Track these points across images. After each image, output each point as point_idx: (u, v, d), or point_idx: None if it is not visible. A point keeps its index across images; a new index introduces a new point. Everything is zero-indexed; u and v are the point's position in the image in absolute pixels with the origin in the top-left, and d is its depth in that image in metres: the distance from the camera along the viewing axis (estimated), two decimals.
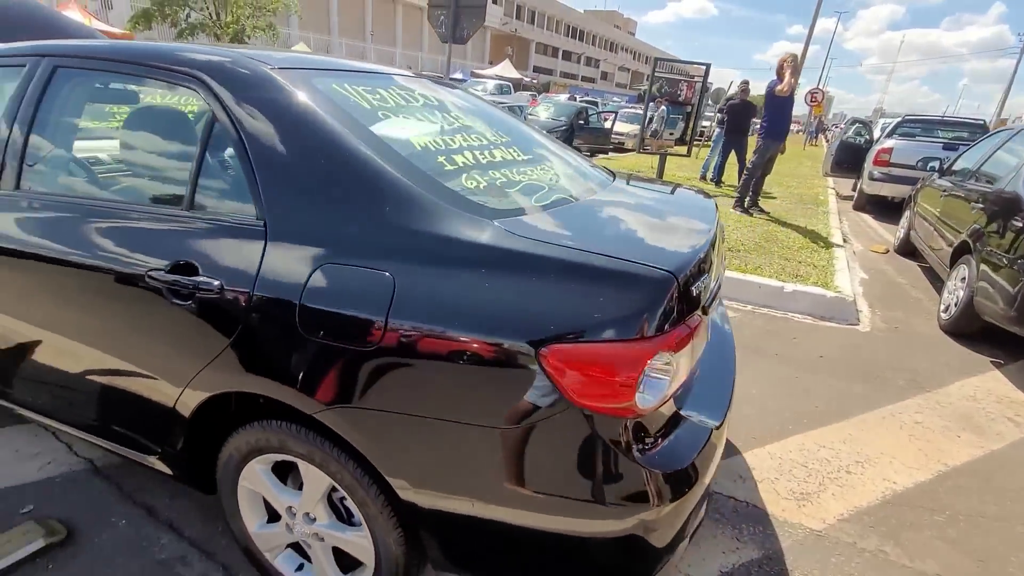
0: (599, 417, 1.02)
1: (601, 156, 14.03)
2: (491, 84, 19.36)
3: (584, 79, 68.51)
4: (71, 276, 1.41)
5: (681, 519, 1.16)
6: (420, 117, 1.50)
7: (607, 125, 15.10)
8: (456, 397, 1.08)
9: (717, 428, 1.28)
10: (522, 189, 1.39)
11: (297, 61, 1.44)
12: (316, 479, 1.28)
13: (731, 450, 2.30)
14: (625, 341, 0.99)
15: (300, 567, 1.48)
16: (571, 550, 1.15)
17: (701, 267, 1.20)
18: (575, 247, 1.09)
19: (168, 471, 1.50)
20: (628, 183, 2.00)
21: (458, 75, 29.12)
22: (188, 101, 1.49)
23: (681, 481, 1.12)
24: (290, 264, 1.16)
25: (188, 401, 1.33)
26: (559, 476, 1.07)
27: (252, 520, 1.45)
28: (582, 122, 13.54)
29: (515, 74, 29.25)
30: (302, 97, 1.26)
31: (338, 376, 1.13)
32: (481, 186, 1.30)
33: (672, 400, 1.16)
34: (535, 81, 39.58)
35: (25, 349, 1.62)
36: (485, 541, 1.19)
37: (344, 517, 1.34)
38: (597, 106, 18.41)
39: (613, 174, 2.05)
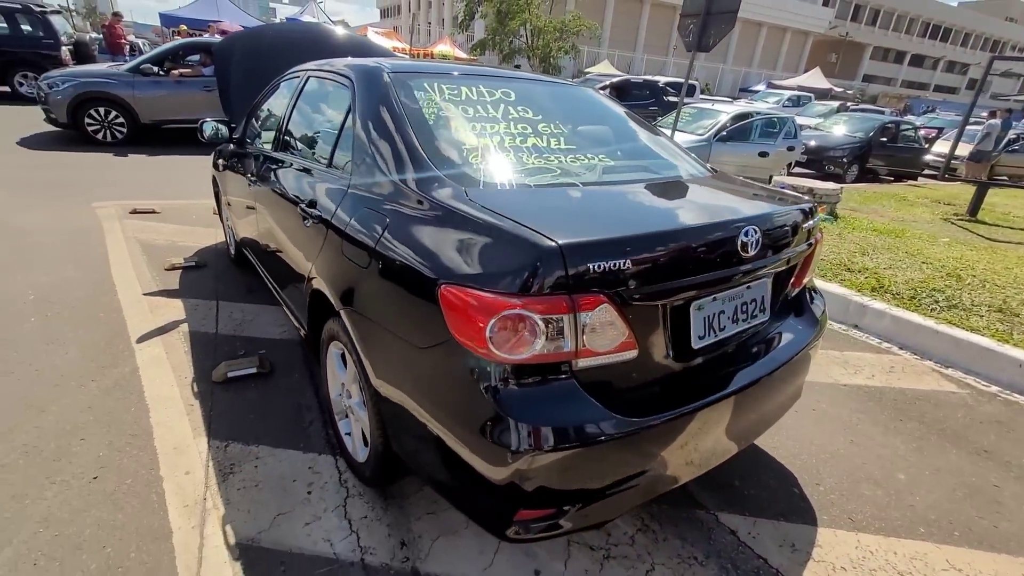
0: (472, 355, 1.20)
1: (909, 183, 11.26)
2: (783, 95, 17.40)
3: (939, 89, 54.19)
4: (285, 204, 2.26)
5: (562, 481, 1.23)
6: (477, 109, 1.82)
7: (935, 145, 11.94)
8: (399, 314, 1.41)
9: (645, 427, 1.25)
10: (528, 171, 1.61)
11: (409, 68, 1.96)
12: (349, 364, 1.79)
13: (798, 511, 1.92)
14: (487, 290, 1.15)
15: (348, 433, 2.03)
16: (466, 470, 1.34)
17: (630, 251, 1.23)
18: (496, 212, 1.28)
19: (306, 341, 2.25)
20: (711, 182, 1.94)
21: (759, 87, 26.94)
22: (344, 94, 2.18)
23: (548, 439, 1.18)
24: (348, 206, 1.68)
25: (306, 292, 2.00)
26: (451, 399, 1.29)
27: (332, 389, 2.06)
28: (885, 139, 11.07)
29: (824, 84, 25.34)
30: (386, 92, 1.76)
31: (349, 285, 1.60)
32: (483, 162, 1.57)
33: (575, 369, 1.22)
34: (851, 92, 33.35)
35: (268, 245, 2.62)
36: (414, 438, 1.48)
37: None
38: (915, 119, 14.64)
39: (713, 172, 2.02)
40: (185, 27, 16.58)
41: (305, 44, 3.82)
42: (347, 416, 2.00)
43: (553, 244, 1.14)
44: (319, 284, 1.82)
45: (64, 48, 10.77)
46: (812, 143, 10.65)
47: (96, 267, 3.63)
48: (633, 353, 1.27)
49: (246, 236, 3.16)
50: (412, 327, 1.36)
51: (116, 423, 2.13)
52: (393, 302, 1.42)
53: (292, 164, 2.29)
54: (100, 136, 7.39)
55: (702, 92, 21.59)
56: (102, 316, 3.01)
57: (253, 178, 2.73)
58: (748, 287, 1.52)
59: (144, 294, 3.33)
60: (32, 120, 8.03)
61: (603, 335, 1.21)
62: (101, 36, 14.63)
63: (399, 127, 1.62)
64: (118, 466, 1.90)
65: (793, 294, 1.78)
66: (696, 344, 1.41)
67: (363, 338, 1.55)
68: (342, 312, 1.63)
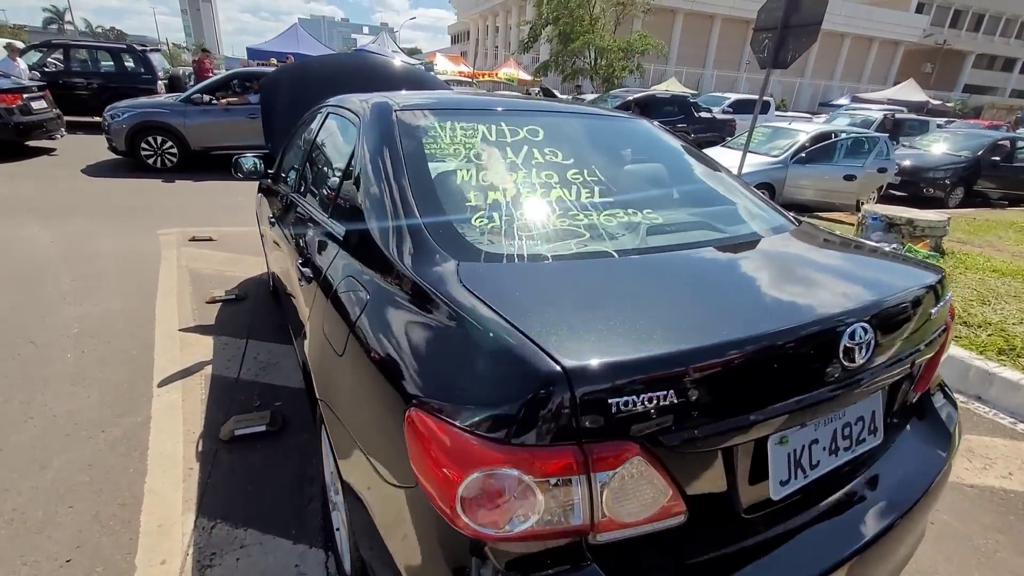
0: (440, 518, 0.85)
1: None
2: (871, 111, 15.96)
3: None
4: (291, 251, 2.06)
5: None
6: (493, 154, 1.51)
7: None
8: (369, 431, 1.10)
9: None
10: (547, 235, 1.27)
11: (423, 103, 1.69)
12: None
13: None
14: (465, 429, 0.81)
15: (338, 528, 1.75)
16: None
17: (676, 374, 0.84)
18: (488, 306, 0.95)
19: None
20: (794, 243, 1.49)
21: (843, 99, 25.15)
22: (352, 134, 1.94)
23: None
24: (337, 270, 1.41)
25: (299, 358, 1.76)
26: (416, 565, 0.95)
27: (326, 469, 1.80)
28: (997, 159, 9.72)
29: (919, 95, 23.15)
30: (390, 133, 1.49)
31: (325, 371, 1.33)
32: (489, 224, 1.25)
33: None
34: (950, 104, 30.32)
35: (284, 287, 2.45)
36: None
37: None
38: None
39: (795, 223, 1.58)
40: (275, 60, 17.73)
41: (351, 75, 3.72)
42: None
43: (556, 369, 0.78)
44: (305, 356, 1.58)
45: (160, 82, 11.73)
46: (907, 163, 9.53)
47: (143, 298, 3.66)
48: (680, 519, 0.89)
49: (273, 271, 3.06)
50: (381, 453, 1.04)
51: (110, 488, 1.98)
52: (363, 412, 1.12)
53: (302, 207, 2.08)
54: (153, 162, 7.78)
55: (777, 108, 20.35)
56: (134, 353, 2.97)
57: (273, 217, 2.59)
58: (853, 404, 1.09)
59: (179, 330, 3.28)
60: (98, 149, 8.48)
61: (635, 498, 0.84)
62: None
63: (395, 178, 1.34)
64: (95, 547, 1.72)
65: (914, 399, 1.32)
66: (777, 493, 1.00)
67: (336, 445, 1.27)
68: (319, 401, 1.36)
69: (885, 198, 8.92)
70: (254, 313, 3.58)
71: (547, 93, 16.97)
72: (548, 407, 0.77)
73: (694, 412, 0.85)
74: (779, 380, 0.94)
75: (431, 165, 1.41)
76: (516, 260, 1.16)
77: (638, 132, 2.03)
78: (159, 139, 7.75)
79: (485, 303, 0.96)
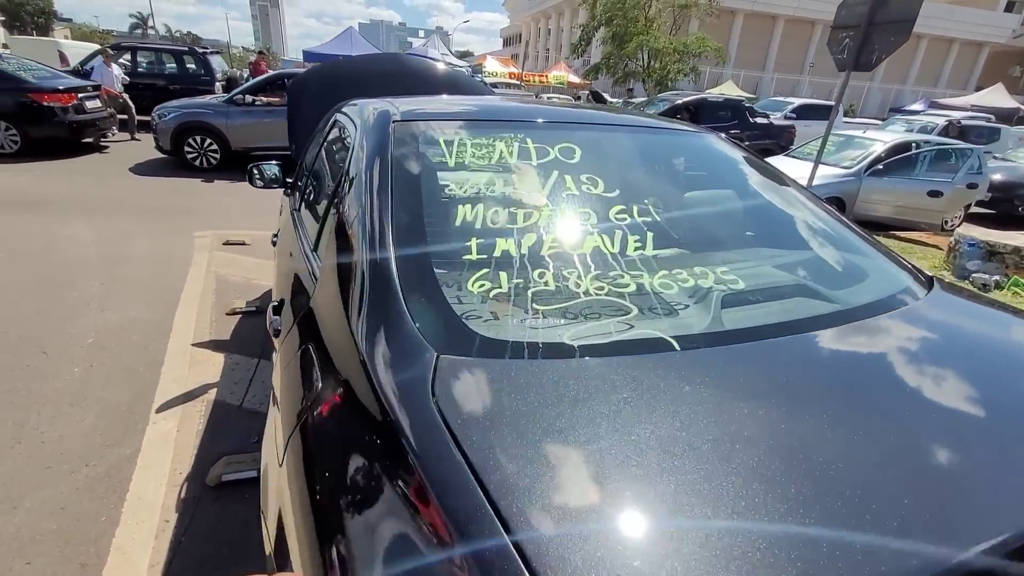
0: None
1: None
2: (946, 116, 14.56)
3: None
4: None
5: None
6: (512, 184, 1.14)
7: None
8: None
9: None
10: (576, 310, 0.88)
11: (431, 111, 1.35)
12: None
13: None
14: None
15: None
16: None
17: None
18: (468, 465, 0.59)
19: None
20: (940, 319, 1.04)
21: (917, 105, 23.31)
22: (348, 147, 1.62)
23: None
24: (297, 333, 1.09)
25: None
26: None
27: None
28: None
29: (1008, 102, 21.07)
30: (382, 150, 1.16)
31: (271, 458, 1.01)
32: (495, 291, 0.89)
33: None
34: None
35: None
36: None
37: None
38: None
39: (929, 285, 1.12)
40: None
41: (385, 78, 3.46)
42: None
43: None
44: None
45: (218, 83, 12.06)
46: (997, 177, 8.49)
47: (165, 307, 3.54)
48: None
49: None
50: None
51: (76, 540, 1.76)
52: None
53: (297, 233, 1.80)
54: (195, 162, 7.83)
55: (844, 114, 19.01)
56: (141, 370, 2.81)
57: (275, 235, 2.33)
58: None
59: (192, 344, 3.11)
60: (147, 148, 8.55)
61: None
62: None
63: (378, 212, 1.00)
64: None
65: None
66: None
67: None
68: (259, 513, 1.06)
69: (970, 216, 7.97)
70: None
71: (597, 97, 16.45)
72: None
73: None
74: None
75: (429, 196, 1.06)
76: (526, 355, 0.79)
77: (705, 151, 1.59)
78: (202, 139, 7.81)
79: (467, 460, 0.60)
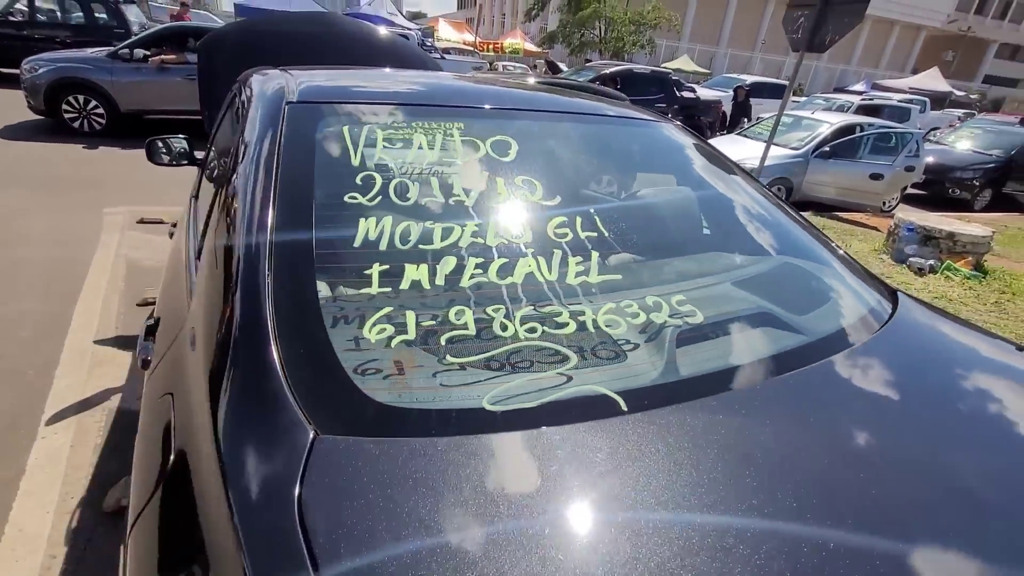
0: None
1: None
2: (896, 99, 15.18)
3: None
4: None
5: None
6: (432, 187, 0.93)
7: None
8: None
9: None
10: (505, 358, 0.71)
11: (331, 86, 1.11)
12: None
13: None
14: None
15: None
16: None
17: None
18: None
19: None
20: (912, 347, 0.95)
21: (860, 86, 24.20)
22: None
23: None
24: (163, 372, 0.87)
25: None
26: None
27: None
28: None
29: (942, 85, 22.21)
30: (272, 138, 0.92)
31: None
32: (400, 338, 0.70)
33: None
34: (974, 96, 29.30)
35: None
36: None
37: None
38: None
39: (893, 302, 1.02)
40: None
41: (313, 43, 3.09)
42: None
43: None
44: None
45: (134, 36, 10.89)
46: (931, 159, 8.88)
47: (63, 297, 3.12)
48: None
49: None
50: None
51: None
52: None
53: (188, 228, 1.52)
54: (77, 125, 6.94)
55: (794, 94, 19.47)
56: (30, 374, 2.45)
57: (173, 224, 2.02)
58: None
59: (94, 341, 2.76)
60: (15, 108, 7.33)
61: None
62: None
63: (256, 231, 0.78)
64: None
65: None
66: None
67: None
68: None
69: (905, 198, 8.34)
70: None
71: (553, 67, 16.05)
72: None
73: None
74: None
75: (322, 205, 0.85)
76: (436, 429, 0.62)
77: (661, 144, 1.40)
78: (85, 99, 6.88)
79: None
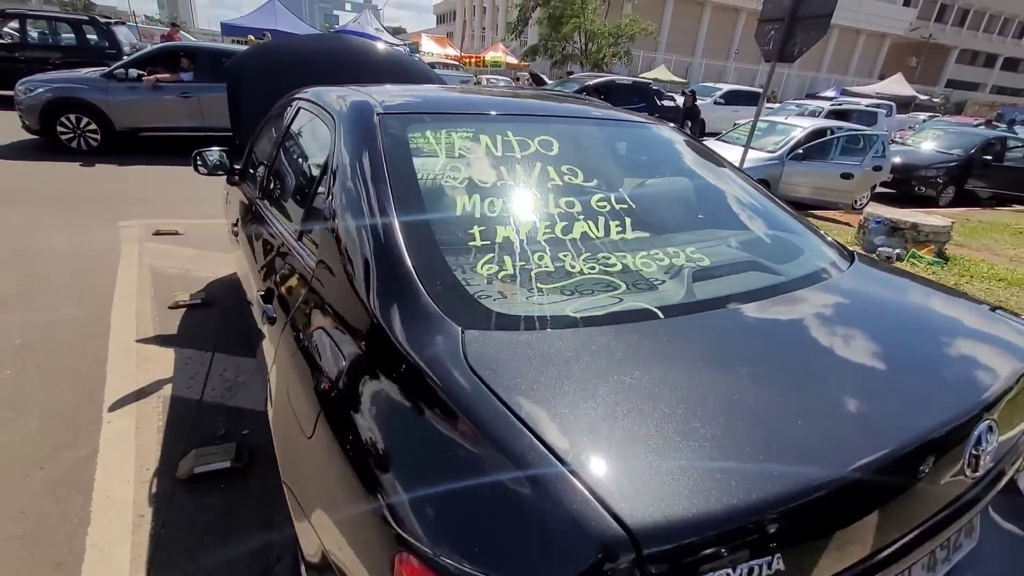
0: None
1: (1016, 208, 9.87)
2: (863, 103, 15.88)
3: None
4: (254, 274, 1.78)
5: None
6: (502, 175, 1.23)
7: None
8: (334, 526, 0.85)
9: None
10: (574, 287, 1.01)
11: (406, 102, 1.40)
12: None
13: None
14: None
15: None
16: None
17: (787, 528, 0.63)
18: (509, 409, 0.71)
19: None
20: (862, 285, 1.26)
21: (830, 92, 25.16)
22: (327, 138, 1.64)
23: None
24: (304, 317, 1.14)
25: (265, 404, 1.50)
26: None
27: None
28: (989, 157, 9.70)
29: (907, 90, 23.25)
30: (371, 142, 1.20)
31: (288, 445, 1.08)
32: (502, 273, 0.99)
33: None
34: (938, 100, 30.61)
35: (249, 303, 2.16)
36: None
37: None
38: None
39: (851, 259, 1.33)
40: (252, 36, 16.83)
41: (328, 60, 3.38)
42: None
43: (621, 535, 0.56)
44: (269, 411, 1.31)
45: (126, 57, 11.04)
46: (898, 160, 9.44)
47: (98, 303, 3.33)
48: None
49: (240, 280, 2.75)
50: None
51: (45, 541, 1.71)
52: (335, 525, 0.86)
53: (269, 222, 1.79)
54: (73, 144, 7.10)
55: (768, 100, 20.21)
56: (83, 370, 2.66)
57: (235, 224, 2.27)
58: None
59: (137, 340, 2.97)
60: (8, 128, 7.55)
61: None
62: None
63: (378, 202, 1.06)
64: None
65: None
66: None
67: (302, 540, 1.02)
68: (283, 483, 1.11)
69: (875, 196, 8.84)
70: (221, 321, 3.27)
71: (537, 79, 16.53)
72: None
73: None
74: (891, 518, 0.72)
75: (424, 187, 1.13)
76: (537, 326, 0.90)
77: (662, 142, 1.75)
78: (77, 117, 7.03)
79: (509, 409, 0.71)
